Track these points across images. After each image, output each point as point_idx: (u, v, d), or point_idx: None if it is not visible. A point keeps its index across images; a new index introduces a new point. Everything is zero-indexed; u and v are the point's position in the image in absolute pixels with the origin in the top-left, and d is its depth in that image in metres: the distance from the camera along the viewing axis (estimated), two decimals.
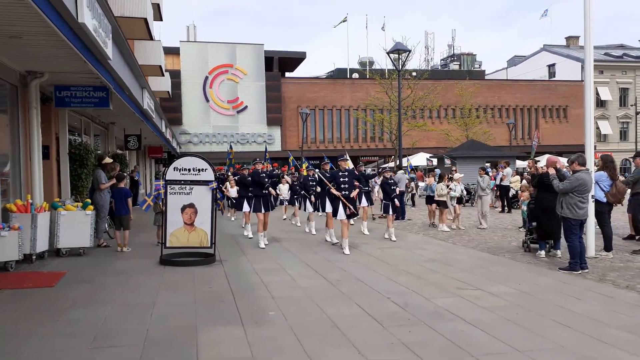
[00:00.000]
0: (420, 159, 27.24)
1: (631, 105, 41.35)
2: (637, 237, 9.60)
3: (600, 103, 41.50)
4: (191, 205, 8.43)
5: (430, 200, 13.04)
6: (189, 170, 8.46)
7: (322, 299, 5.73)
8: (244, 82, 35.90)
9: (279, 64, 37.91)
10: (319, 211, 12.16)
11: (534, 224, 8.72)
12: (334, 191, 9.15)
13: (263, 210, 9.95)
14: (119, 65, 8.54)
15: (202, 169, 8.51)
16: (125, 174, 10.76)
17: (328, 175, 9.62)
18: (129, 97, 10.26)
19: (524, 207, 11.95)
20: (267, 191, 10.01)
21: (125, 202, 9.52)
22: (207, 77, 35.52)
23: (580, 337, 4.41)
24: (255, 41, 38.73)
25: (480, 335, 4.53)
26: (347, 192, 9.21)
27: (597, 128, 41.37)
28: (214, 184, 8.59)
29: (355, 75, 43.73)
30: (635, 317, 5.00)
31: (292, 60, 39.88)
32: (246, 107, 35.97)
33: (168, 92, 26.95)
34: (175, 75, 33.33)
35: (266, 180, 10.13)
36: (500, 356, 4.02)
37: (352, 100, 38.16)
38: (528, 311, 5.28)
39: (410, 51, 17.60)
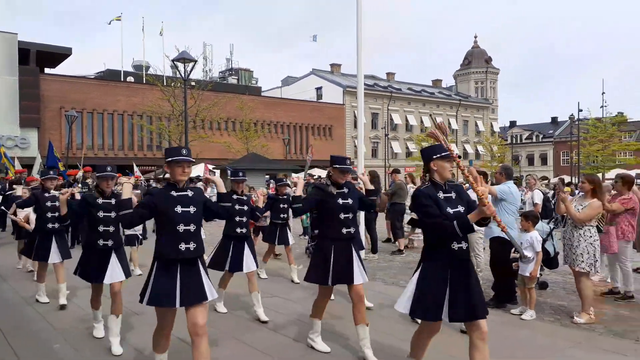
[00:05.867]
0: (201, 170, 27.09)
1: (381, 128, 48.87)
2: (393, 241, 11.43)
3: (356, 125, 47.93)
4: None
5: None
6: None
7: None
8: None
9: (37, 59, 32.97)
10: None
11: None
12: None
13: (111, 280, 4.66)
14: None
15: None
16: None
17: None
18: None
19: (304, 217, 13.12)
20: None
21: None
22: None
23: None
24: (7, 30, 32.72)
25: (275, 338, 4.82)
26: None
27: (355, 146, 47.61)
28: None
29: (131, 78, 41.04)
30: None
31: (55, 55, 35.11)
32: None
33: None
34: None
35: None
36: (304, 357, 4.36)
37: (127, 104, 35.64)
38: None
39: (196, 61, 17.44)
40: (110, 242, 4.64)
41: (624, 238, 6.25)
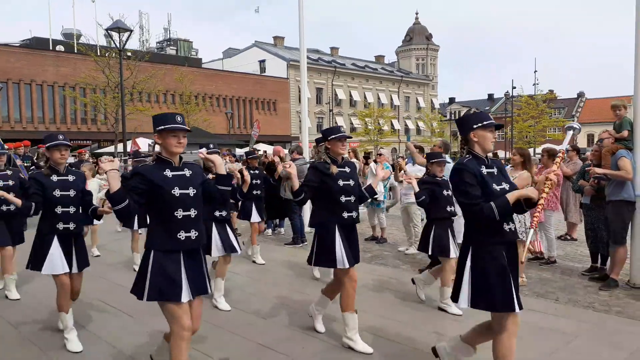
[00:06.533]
0: (140, 144, 26.19)
1: (326, 103, 48.96)
2: None
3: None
4: None
5: None
6: None
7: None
8: None
9: None
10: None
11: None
12: None
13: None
14: None
15: None
16: None
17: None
18: None
19: None
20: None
21: None
22: None
23: (308, 298, 5.24)
24: None
25: (229, 312, 4.90)
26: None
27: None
28: None
29: (60, 47, 38.58)
30: None
31: None
32: None
33: None
34: None
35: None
36: (247, 326, 4.47)
37: (57, 75, 33.54)
38: (267, 284, 5.94)
39: (132, 31, 16.71)
40: (72, 225, 3.99)
41: (548, 207, 6.73)
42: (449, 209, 4.99)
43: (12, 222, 5.36)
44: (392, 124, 52.83)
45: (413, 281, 5.24)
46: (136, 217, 6.45)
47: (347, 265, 3.84)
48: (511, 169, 5.87)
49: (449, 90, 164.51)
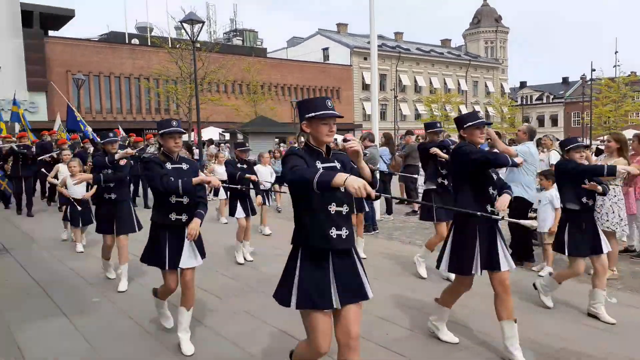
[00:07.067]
0: (211, 133, 27.17)
1: (390, 90, 48.29)
2: (406, 202, 11.56)
3: (365, 86, 47.35)
4: None
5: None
6: None
7: (148, 280, 5.47)
8: None
9: (41, 21, 32.66)
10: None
11: None
12: None
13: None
14: None
15: None
16: None
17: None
18: None
19: None
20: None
21: None
22: None
23: (385, 286, 5.27)
24: None
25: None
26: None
27: (363, 109, 47.31)
28: None
29: (135, 40, 40.56)
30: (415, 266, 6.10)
31: (58, 17, 34.75)
32: None
33: None
34: None
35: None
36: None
37: (133, 67, 35.43)
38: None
39: (204, 22, 17.24)
40: (184, 217, 3.73)
41: (638, 198, 6.29)
42: (584, 200, 4.30)
43: (119, 209, 5.32)
44: (459, 110, 51.23)
45: (535, 286, 4.74)
46: (239, 206, 6.42)
47: (477, 272, 3.47)
48: (605, 156, 5.54)
49: (520, 74, 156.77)
